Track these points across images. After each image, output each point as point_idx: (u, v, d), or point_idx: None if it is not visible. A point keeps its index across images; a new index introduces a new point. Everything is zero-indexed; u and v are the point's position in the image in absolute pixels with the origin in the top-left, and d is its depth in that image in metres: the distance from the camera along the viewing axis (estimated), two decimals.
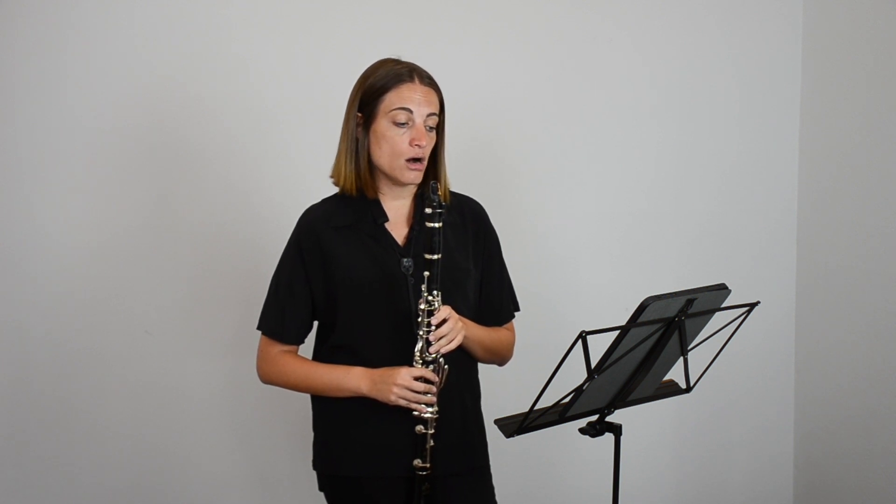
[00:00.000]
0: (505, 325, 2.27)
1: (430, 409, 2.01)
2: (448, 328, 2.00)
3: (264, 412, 2.97)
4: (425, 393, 1.99)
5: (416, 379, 1.99)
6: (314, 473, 2.20)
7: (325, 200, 2.18)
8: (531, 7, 3.19)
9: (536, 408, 1.99)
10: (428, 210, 1.96)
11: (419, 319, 1.99)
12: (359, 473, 2.10)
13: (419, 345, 2.00)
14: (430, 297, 1.98)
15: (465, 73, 3.09)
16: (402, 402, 2.00)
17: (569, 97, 3.25)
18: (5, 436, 2.77)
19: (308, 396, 2.20)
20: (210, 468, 2.96)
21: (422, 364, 2.00)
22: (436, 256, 1.97)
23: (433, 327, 1.99)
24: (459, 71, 3.05)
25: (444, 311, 2.00)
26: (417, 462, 2.04)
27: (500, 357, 2.24)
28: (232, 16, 2.89)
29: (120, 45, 2.80)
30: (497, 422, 2.09)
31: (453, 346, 2.02)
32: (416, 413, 2.01)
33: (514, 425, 2.04)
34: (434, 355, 2.00)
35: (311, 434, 2.20)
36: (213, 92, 2.88)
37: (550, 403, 2.05)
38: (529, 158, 3.23)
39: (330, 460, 2.14)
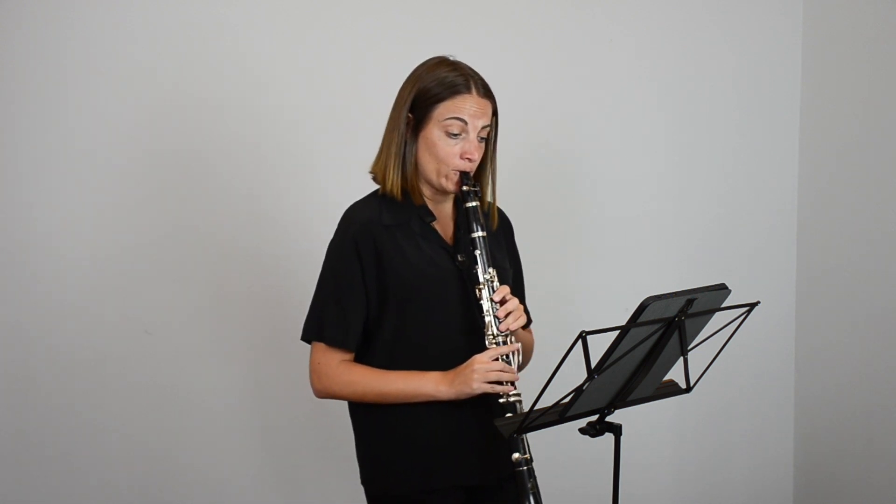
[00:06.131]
0: (528, 331, 2.26)
1: (514, 392, 1.96)
2: (513, 305, 1.98)
3: (271, 414, 2.97)
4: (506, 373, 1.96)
5: (494, 360, 1.96)
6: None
7: (367, 200, 2.11)
8: (530, 7, 3.19)
9: (536, 408, 1.99)
10: (464, 188, 1.98)
11: (481, 301, 1.97)
12: (422, 487, 2.03)
13: (489, 326, 1.97)
14: (487, 276, 1.97)
15: None
16: (487, 387, 1.94)
17: (568, 98, 3.25)
18: (6, 436, 2.77)
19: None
20: (211, 470, 2.95)
21: (494, 346, 1.97)
22: (482, 233, 1.98)
23: (497, 305, 1.97)
24: None
25: (504, 289, 1.98)
26: (517, 456, 1.95)
27: (526, 360, 2.21)
28: (243, 21, 2.89)
29: (126, 47, 2.79)
30: (497, 422, 2.08)
31: (521, 322, 2.00)
32: (501, 400, 1.95)
33: (514, 425, 2.03)
34: (505, 333, 1.97)
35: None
36: (211, 92, 2.87)
37: (550, 403, 2.05)
38: (528, 159, 3.22)
39: (388, 477, 2.06)
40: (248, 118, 2.91)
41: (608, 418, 2.11)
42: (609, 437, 2.13)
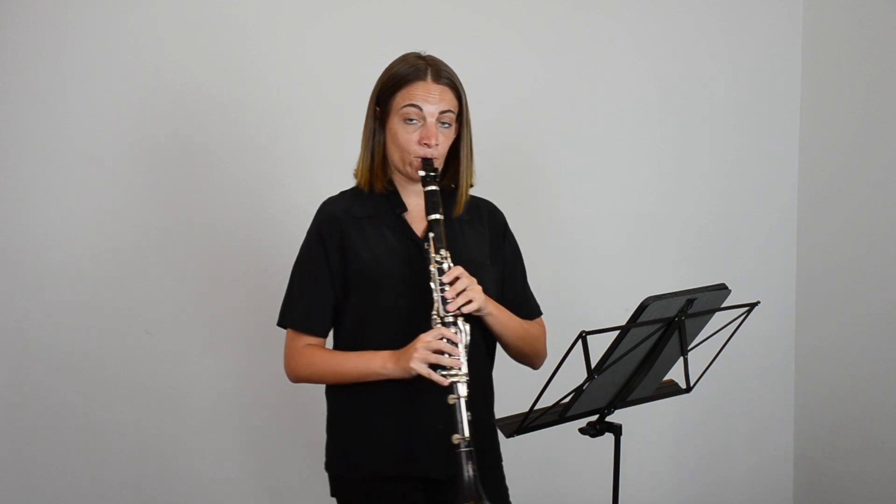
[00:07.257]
0: (534, 321, 2.23)
1: (459, 373, 1.89)
2: (463, 285, 1.94)
3: (269, 413, 2.97)
4: (449, 356, 1.90)
5: (438, 340, 1.91)
6: (323, 477, 2.17)
7: (342, 193, 2.16)
8: (530, 7, 3.20)
9: (536, 408, 1.99)
10: (421, 172, 1.98)
11: (431, 282, 1.94)
12: (375, 474, 2.05)
13: (435, 306, 1.93)
14: (437, 258, 1.94)
15: (463, 74, 3.08)
16: (424, 368, 1.90)
17: (568, 98, 3.25)
18: (6, 435, 2.77)
19: (321, 398, 2.17)
20: (212, 471, 2.94)
21: (440, 325, 1.93)
22: (438, 216, 1.96)
23: (446, 286, 1.93)
24: (458, 72, 3.05)
25: (456, 270, 1.95)
26: (456, 437, 1.86)
27: (534, 350, 2.17)
28: (242, 15, 2.89)
29: (126, 45, 2.79)
30: (497, 422, 2.09)
31: (474, 304, 1.95)
32: (442, 380, 1.90)
33: (514, 425, 2.04)
34: (452, 314, 1.93)
35: (319, 435, 2.16)
36: (208, 90, 2.87)
37: (550, 403, 2.05)
38: (528, 160, 3.22)
39: (344, 461, 2.09)
40: (244, 116, 2.91)
41: (608, 418, 2.12)
42: (609, 437, 2.14)
